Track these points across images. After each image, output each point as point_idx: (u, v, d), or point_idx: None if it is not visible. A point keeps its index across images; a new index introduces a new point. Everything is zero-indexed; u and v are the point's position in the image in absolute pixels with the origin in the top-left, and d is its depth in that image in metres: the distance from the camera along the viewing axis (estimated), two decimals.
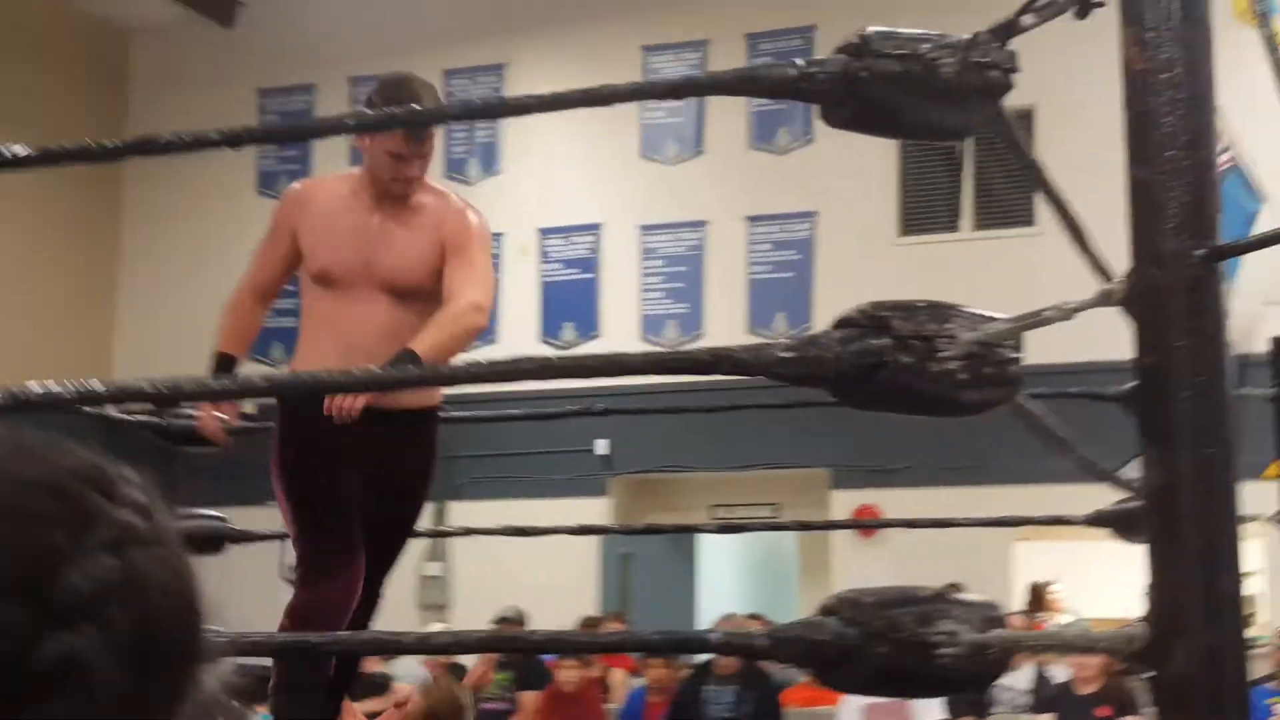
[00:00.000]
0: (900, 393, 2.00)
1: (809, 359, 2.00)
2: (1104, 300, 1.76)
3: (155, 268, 13.83)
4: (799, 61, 2.08)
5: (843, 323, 2.03)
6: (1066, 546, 13.13)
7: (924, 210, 12.17)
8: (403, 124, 2.39)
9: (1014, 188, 11.38)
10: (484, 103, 2.25)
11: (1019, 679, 8.19)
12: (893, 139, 2.76)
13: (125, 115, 13.99)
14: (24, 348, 12.18)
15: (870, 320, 1.99)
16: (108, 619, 0.62)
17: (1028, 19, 1.97)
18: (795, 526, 5.95)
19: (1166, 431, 1.62)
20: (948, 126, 2.16)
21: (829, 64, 2.04)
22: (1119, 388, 4.33)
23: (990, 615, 1.95)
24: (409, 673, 9.30)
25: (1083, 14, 1.87)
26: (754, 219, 12.37)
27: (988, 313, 2.06)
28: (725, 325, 11.98)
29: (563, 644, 2.53)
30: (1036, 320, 1.92)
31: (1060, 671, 8.30)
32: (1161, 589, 1.59)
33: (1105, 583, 12.96)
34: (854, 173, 11.83)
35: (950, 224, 12.03)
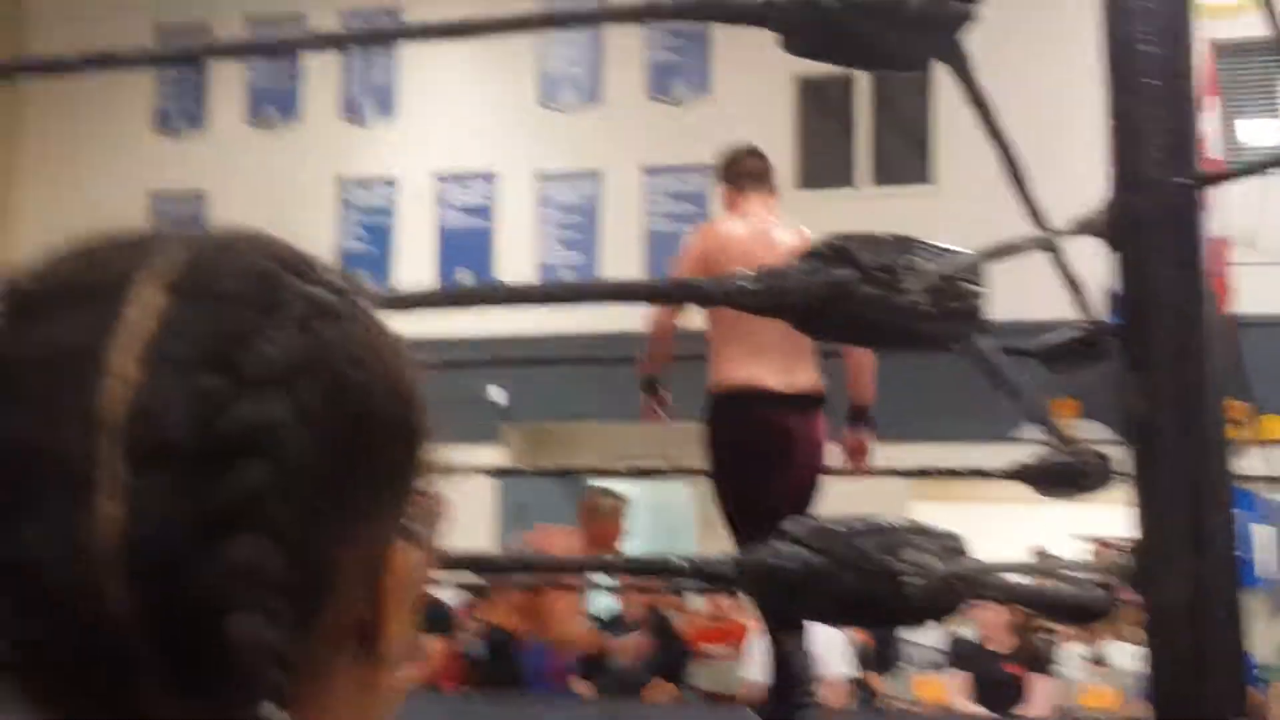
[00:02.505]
0: (863, 324, 1.99)
1: (773, 290, 1.99)
2: (1083, 229, 1.76)
3: (50, 193, 13.50)
4: None
5: (807, 254, 2.01)
6: (961, 508, 13.33)
7: (821, 165, 12.21)
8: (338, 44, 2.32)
9: (911, 145, 11.46)
10: (440, 25, 2.19)
11: (928, 637, 8.26)
12: (852, 68, 2.76)
13: (22, 48, 13.61)
14: None
15: (834, 252, 1.98)
16: (297, 388, 0.63)
17: None
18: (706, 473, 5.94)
19: (1149, 359, 1.62)
20: (909, 57, 2.14)
21: None
22: (1037, 342, 4.39)
23: (952, 545, 1.96)
24: None
25: None
26: (651, 170, 12.33)
27: (952, 246, 2.05)
28: (621, 276, 11.95)
29: (530, 563, 2.51)
30: (1006, 250, 1.92)
31: (970, 631, 8.39)
32: (1148, 516, 1.59)
33: (990, 546, 13.18)
34: (751, 127, 11.78)
35: (847, 179, 12.09)
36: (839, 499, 9.30)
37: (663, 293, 2.06)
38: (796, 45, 2.10)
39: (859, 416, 5.25)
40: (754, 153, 5.23)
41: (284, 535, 0.61)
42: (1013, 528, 12.63)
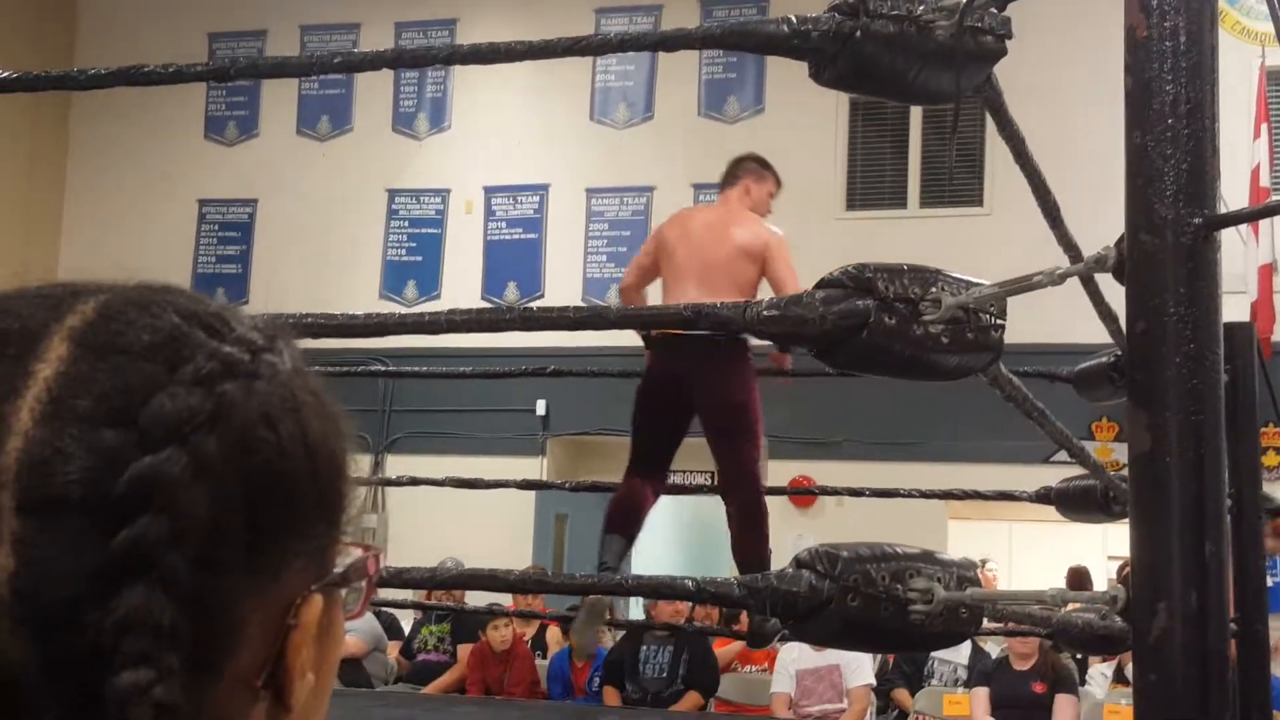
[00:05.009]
0: (882, 354, 1.99)
1: (792, 318, 1.99)
2: (1096, 266, 1.77)
3: (99, 204, 13.63)
4: (792, 17, 2.07)
5: (826, 283, 2.02)
6: (997, 526, 13.30)
7: (871, 186, 12.20)
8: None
9: (962, 167, 11.43)
10: (472, 48, 2.21)
11: (956, 653, 8.25)
12: (879, 99, 2.79)
13: (73, 51, 13.76)
14: None
15: (855, 281, 1.98)
16: (196, 444, 0.64)
17: None
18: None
19: (1156, 397, 1.63)
20: (937, 90, 2.15)
21: (822, 21, 2.02)
22: (1070, 369, 4.39)
23: (965, 574, 1.97)
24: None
25: None
26: (700, 186, 12.35)
27: (972, 278, 2.07)
28: None
29: (545, 585, 2.53)
30: (1024, 285, 1.93)
31: (995, 648, 8.39)
32: (1144, 551, 1.60)
33: (1029, 564, 13.16)
34: (802, 145, 11.84)
35: (897, 200, 12.07)
36: (876, 516, 9.36)
37: (685, 319, 2.08)
38: (821, 75, 2.11)
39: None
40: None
41: (179, 588, 0.62)
42: (1049, 546, 12.62)
